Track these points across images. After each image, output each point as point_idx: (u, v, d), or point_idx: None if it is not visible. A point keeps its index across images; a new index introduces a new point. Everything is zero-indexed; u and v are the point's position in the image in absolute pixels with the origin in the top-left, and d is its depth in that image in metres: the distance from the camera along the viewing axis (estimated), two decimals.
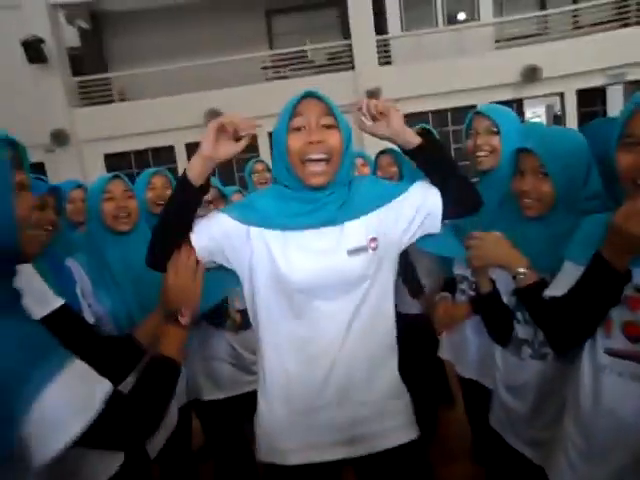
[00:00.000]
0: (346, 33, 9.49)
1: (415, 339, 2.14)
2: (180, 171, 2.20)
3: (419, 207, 1.19)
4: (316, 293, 1.14)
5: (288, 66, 9.77)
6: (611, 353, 0.97)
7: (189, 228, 1.16)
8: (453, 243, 1.29)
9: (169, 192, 2.05)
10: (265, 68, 9.88)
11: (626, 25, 9.00)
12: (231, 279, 1.25)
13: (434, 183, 1.19)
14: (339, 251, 1.14)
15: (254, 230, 1.17)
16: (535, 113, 10.40)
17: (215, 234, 1.17)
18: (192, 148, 9.38)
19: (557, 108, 9.84)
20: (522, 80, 8.82)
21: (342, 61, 9.34)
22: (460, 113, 8.71)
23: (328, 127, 1.15)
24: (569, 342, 1.09)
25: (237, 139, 1.15)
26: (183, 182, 1.13)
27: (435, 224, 1.20)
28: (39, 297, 1.23)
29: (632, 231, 0.89)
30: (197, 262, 1.13)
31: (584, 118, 9.00)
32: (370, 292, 1.17)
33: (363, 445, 1.18)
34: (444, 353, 1.89)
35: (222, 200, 1.87)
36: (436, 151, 1.19)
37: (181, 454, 1.82)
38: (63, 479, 0.82)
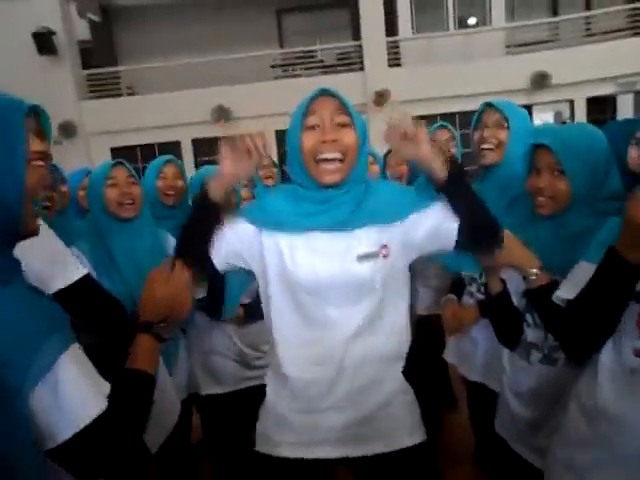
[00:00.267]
0: (356, 34, 9.47)
1: (422, 341, 2.12)
2: (187, 167, 2.19)
3: (434, 229, 1.13)
4: (324, 297, 1.12)
5: (297, 65, 9.77)
6: None
7: (210, 244, 1.15)
8: (467, 259, 1.26)
9: (180, 182, 2.04)
10: (274, 66, 9.88)
11: (638, 34, 8.95)
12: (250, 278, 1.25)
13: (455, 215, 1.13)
14: (348, 255, 1.11)
15: (266, 230, 1.16)
16: (544, 120, 10.36)
17: (231, 241, 1.17)
18: (199, 144, 9.39)
19: (566, 115, 9.79)
20: (531, 86, 8.79)
21: (351, 62, 9.32)
22: (468, 117, 8.66)
23: (343, 126, 1.13)
24: (585, 346, 1.05)
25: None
26: (203, 200, 1.12)
27: (447, 248, 1.15)
28: (62, 265, 1.24)
29: None
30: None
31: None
32: (381, 304, 1.14)
33: (361, 446, 1.17)
34: (449, 356, 1.86)
35: (231, 193, 1.83)
36: (461, 188, 1.11)
37: (180, 449, 1.79)
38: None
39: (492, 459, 1.68)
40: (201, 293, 1.67)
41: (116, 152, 9.18)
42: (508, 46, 9.54)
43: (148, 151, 9.02)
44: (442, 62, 8.93)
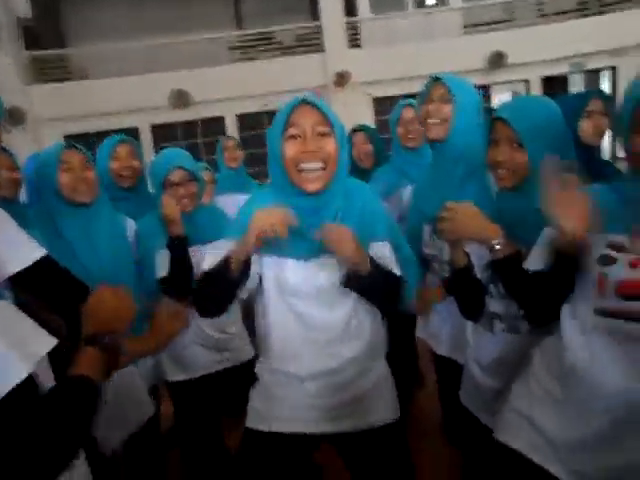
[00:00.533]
0: (315, 15, 9.35)
1: (393, 318, 2.15)
2: (146, 154, 2.11)
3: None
4: (312, 299, 1.23)
5: (256, 47, 9.58)
6: (603, 312, 0.97)
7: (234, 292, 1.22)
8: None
9: (135, 162, 1.97)
10: (232, 49, 9.65)
11: (586, 15, 9.21)
12: None
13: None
14: (330, 265, 1.21)
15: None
16: (501, 100, 10.56)
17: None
18: (157, 130, 9.12)
19: (523, 95, 10.01)
20: (489, 66, 8.93)
21: (311, 43, 9.22)
22: None
23: (323, 134, 1.18)
24: (547, 314, 1.09)
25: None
26: (226, 267, 1.15)
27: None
28: (17, 247, 1.19)
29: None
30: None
31: None
32: (361, 301, 1.27)
33: (345, 423, 1.27)
34: (419, 331, 1.89)
35: (193, 183, 1.79)
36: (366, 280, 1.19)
37: (148, 437, 1.76)
38: None
39: (459, 430, 1.73)
40: (165, 272, 1.68)
41: (70, 139, 8.82)
42: (466, 26, 9.64)
43: (104, 138, 8.69)
44: (401, 42, 8.95)
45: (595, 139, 1.75)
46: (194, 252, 1.72)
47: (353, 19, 9.16)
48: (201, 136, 9.33)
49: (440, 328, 1.71)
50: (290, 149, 1.17)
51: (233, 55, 9.67)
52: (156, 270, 1.70)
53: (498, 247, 1.16)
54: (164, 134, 9.15)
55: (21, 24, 8.79)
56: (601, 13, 9.19)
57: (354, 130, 2.52)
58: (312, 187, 1.18)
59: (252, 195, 1.39)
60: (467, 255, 1.30)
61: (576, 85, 10.73)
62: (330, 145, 1.18)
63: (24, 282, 1.16)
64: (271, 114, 9.17)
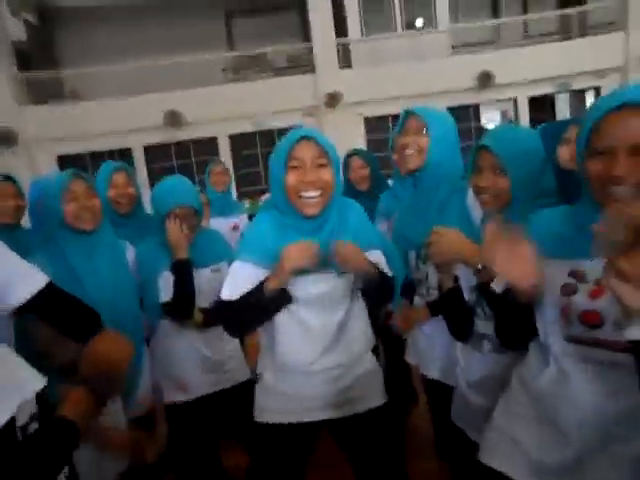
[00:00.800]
0: (306, 36, 9.53)
1: (386, 343, 2.18)
2: (139, 174, 2.17)
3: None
4: (310, 306, 1.37)
5: (248, 68, 9.72)
6: (571, 339, 1.00)
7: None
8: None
9: (131, 190, 2.01)
10: (225, 70, 9.79)
11: (569, 38, 9.49)
12: None
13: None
14: (331, 274, 1.37)
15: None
16: (489, 118, 10.76)
17: (243, 282, 1.36)
18: (151, 150, 9.18)
19: (511, 114, 10.22)
20: (477, 85, 9.12)
21: (302, 64, 9.37)
22: None
23: (322, 165, 1.32)
24: (514, 337, 1.15)
25: None
26: (265, 297, 1.31)
27: None
28: (21, 276, 1.21)
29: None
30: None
31: (535, 124, 9.40)
32: (353, 305, 1.44)
33: (344, 409, 1.43)
34: (409, 357, 1.92)
35: (194, 216, 1.83)
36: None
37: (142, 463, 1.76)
38: None
39: (451, 448, 1.75)
40: (168, 297, 1.76)
41: (63, 160, 8.84)
42: (454, 47, 9.87)
43: (98, 159, 8.73)
44: (391, 63, 9.13)
45: (572, 164, 1.80)
46: (196, 275, 1.78)
47: (344, 40, 9.34)
48: (194, 156, 9.40)
49: (429, 352, 1.73)
50: (291, 179, 1.31)
51: (225, 76, 9.81)
52: (160, 294, 1.75)
53: (482, 270, 1.20)
54: (157, 154, 9.20)
55: (15, 47, 8.87)
56: (583, 36, 9.46)
57: (350, 155, 2.58)
58: (311, 212, 1.33)
59: (257, 217, 1.49)
60: (455, 278, 1.34)
61: (562, 105, 10.98)
62: (327, 175, 1.32)
63: (33, 310, 1.18)
64: (263, 134, 9.28)
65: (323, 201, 1.33)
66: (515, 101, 9.69)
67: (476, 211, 1.47)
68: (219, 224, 2.86)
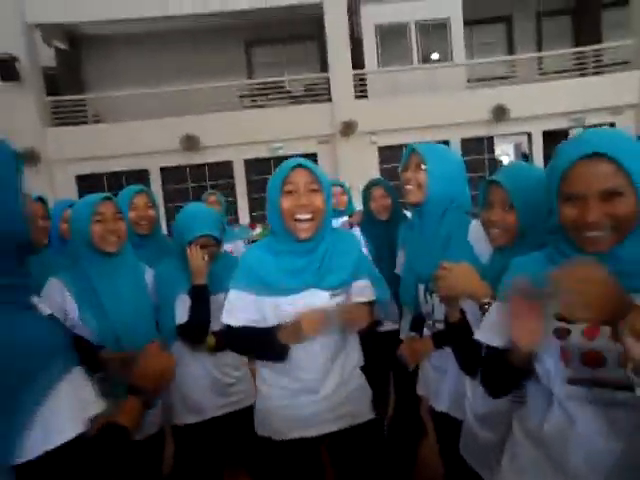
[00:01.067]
0: (324, 66, 9.75)
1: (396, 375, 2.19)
2: (155, 195, 2.23)
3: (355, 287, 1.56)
4: None
5: (266, 95, 9.94)
6: (576, 382, 0.99)
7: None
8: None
9: (151, 212, 2.07)
10: (243, 96, 10.01)
11: (584, 75, 9.58)
12: None
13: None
14: (324, 294, 1.46)
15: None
16: (503, 151, 10.82)
17: (241, 308, 1.48)
18: (166, 172, 9.35)
19: (525, 147, 10.27)
20: (492, 118, 9.20)
21: (319, 93, 9.55)
22: None
23: (314, 190, 1.44)
24: (496, 387, 1.15)
25: None
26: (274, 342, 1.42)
27: None
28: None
29: None
30: None
31: (549, 158, 9.40)
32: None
33: (337, 423, 1.51)
34: (419, 389, 1.91)
35: (215, 245, 1.90)
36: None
37: None
38: None
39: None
40: (183, 320, 1.81)
41: (82, 180, 9.04)
42: (469, 80, 10.01)
43: (115, 179, 8.93)
44: (406, 94, 9.27)
45: None
46: (211, 300, 1.83)
47: (360, 72, 9.54)
48: (209, 179, 9.54)
49: (438, 385, 1.72)
50: (286, 202, 1.43)
51: (243, 102, 10.03)
52: (176, 317, 1.80)
53: (487, 306, 1.20)
54: (173, 176, 9.37)
55: (44, 72, 9.22)
56: (598, 73, 9.55)
57: (372, 184, 2.62)
58: (304, 235, 1.44)
59: (251, 247, 1.60)
60: (462, 312, 1.34)
61: None
62: (319, 199, 1.44)
63: None
64: (278, 160, 9.41)
65: (315, 225, 1.44)
66: (529, 135, 9.74)
67: (479, 244, 1.49)
68: None
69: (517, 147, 12.22)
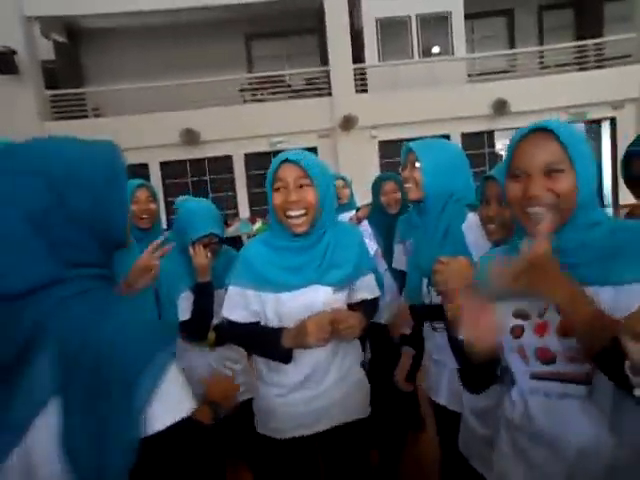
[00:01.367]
0: (324, 60, 9.71)
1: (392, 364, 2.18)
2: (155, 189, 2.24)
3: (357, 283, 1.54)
4: None
5: (266, 89, 9.90)
6: (536, 377, 1.01)
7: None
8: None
9: (152, 205, 2.09)
10: (243, 90, 9.98)
11: (585, 69, 9.54)
12: None
13: None
14: (326, 290, 1.43)
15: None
16: (504, 145, 10.77)
17: (241, 304, 1.47)
18: (166, 166, 9.34)
19: None
20: (493, 113, 9.17)
21: (319, 87, 9.52)
22: None
23: (305, 185, 1.38)
24: (477, 383, 1.16)
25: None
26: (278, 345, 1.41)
27: None
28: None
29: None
30: None
31: None
32: None
33: (333, 419, 1.50)
34: (419, 381, 1.92)
35: (217, 242, 1.93)
36: None
37: None
38: None
39: (456, 475, 1.73)
40: (186, 316, 1.83)
41: None
42: (469, 75, 9.97)
43: None
44: (407, 89, 9.24)
45: None
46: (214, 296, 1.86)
47: (361, 65, 9.50)
48: (209, 173, 9.54)
49: (439, 379, 1.73)
50: (277, 199, 1.40)
51: (243, 96, 10.00)
52: (179, 313, 1.83)
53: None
54: (173, 170, 9.36)
55: (43, 65, 9.18)
56: (599, 67, 9.51)
57: (383, 179, 2.63)
58: (299, 230, 1.40)
59: (249, 243, 1.58)
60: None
61: None
62: (310, 195, 1.38)
63: None
64: (278, 154, 9.36)
65: (309, 219, 1.40)
66: None
67: (471, 236, 1.52)
68: None
69: None
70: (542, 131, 0.95)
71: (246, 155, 9.43)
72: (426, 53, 10.20)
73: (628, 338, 0.72)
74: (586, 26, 10.31)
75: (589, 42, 9.69)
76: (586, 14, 10.45)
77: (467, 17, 9.90)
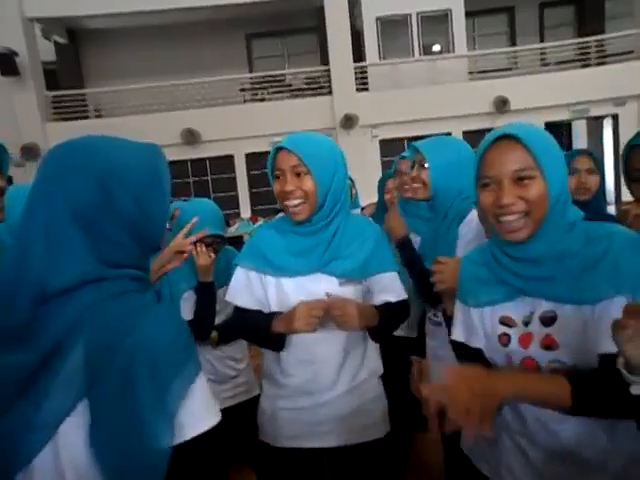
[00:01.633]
0: (324, 59, 9.70)
1: (398, 363, 2.18)
2: None
3: (376, 285, 1.44)
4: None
5: (266, 89, 9.90)
6: None
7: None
8: None
9: None
10: (243, 90, 9.98)
11: (587, 66, 9.50)
12: None
13: None
14: (331, 280, 1.37)
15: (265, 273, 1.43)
16: None
17: (246, 287, 1.43)
18: (168, 166, 9.33)
19: None
20: (494, 110, 9.15)
21: (320, 86, 9.51)
22: None
23: (303, 173, 1.33)
24: None
25: None
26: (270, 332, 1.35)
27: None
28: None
29: None
30: None
31: None
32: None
33: (343, 437, 1.40)
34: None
35: (219, 241, 1.93)
36: None
37: None
38: None
39: (461, 476, 1.72)
40: (189, 317, 1.82)
41: None
42: (470, 72, 9.94)
43: None
44: (408, 87, 9.22)
45: (580, 195, 1.90)
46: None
47: (361, 64, 9.49)
48: (210, 173, 9.54)
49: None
50: (276, 187, 1.37)
51: (243, 96, 9.99)
52: (181, 313, 1.80)
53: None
54: (174, 171, 9.33)
55: (44, 66, 9.19)
56: (601, 64, 9.47)
57: (389, 176, 2.62)
58: (298, 218, 1.36)
59: (260, 227, 1.56)
60: None
61: (579, 131, 10.93)
62: (308, 183, 1.33)
63: None
64: None
65: (309, 207, 1.34)
66: None
67: (469, 233, 1.55)
68: None
69: None
70: (508, 138, 0.94)
71: (247, 155, 9.43)
72: (427, 51, 10.17)
73: (621, 338, 0.72)
74: (587, 23, 10.27)
75: (590, 39, 9.65)
76: (587, 10, 10.40)
77: (468, 14, 9.86)
